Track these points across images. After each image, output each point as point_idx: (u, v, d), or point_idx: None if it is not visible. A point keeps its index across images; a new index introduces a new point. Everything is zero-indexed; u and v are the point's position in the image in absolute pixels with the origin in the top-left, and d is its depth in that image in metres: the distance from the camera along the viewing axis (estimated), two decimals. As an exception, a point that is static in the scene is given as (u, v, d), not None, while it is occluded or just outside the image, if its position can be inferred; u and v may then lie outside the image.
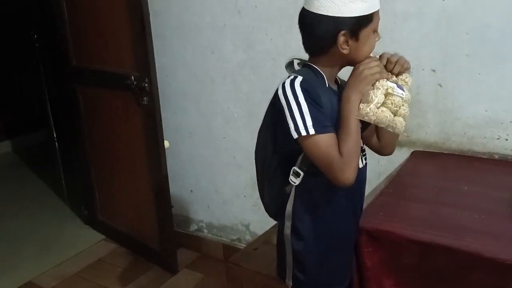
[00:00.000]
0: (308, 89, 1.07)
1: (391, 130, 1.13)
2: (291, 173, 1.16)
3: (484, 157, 1.71)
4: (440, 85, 1.74)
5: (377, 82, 1.10)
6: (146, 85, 2.15)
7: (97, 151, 2.73)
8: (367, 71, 1.10)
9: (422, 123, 1.80)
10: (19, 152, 4.59)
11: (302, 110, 1.06)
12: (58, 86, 3.31)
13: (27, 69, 4.47)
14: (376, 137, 1.30)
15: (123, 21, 2.19)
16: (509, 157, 1.67)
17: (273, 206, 1.29)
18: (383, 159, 1.87)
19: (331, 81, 1.18)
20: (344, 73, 1.20)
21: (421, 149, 1.82)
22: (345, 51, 1.10)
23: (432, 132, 1.80)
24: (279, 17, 2.05)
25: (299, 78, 1.09)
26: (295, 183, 1.17)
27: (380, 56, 1.14)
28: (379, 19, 1.13)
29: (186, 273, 2.50)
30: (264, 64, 2.16)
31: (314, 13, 1.09)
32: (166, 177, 2.31)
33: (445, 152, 1.77)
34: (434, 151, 1.80)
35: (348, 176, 1.07)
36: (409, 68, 1.16)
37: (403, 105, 1.12)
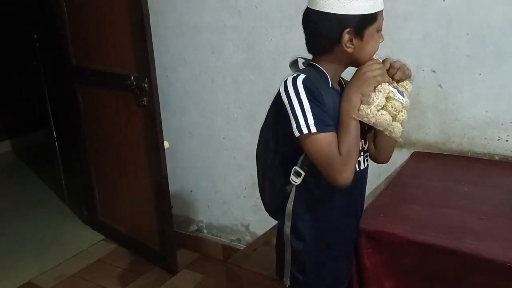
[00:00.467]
0: (310, 87, 1.06)
1: (388, 134, 1.12)
2: (292, 172, 1.16)
3: (485, 158, 1.71)
4: (440, 86, 1.74)
5: (379, 85, 1.10)
6: (146, 85, 2.14)
7: (97, 151, 2.73)
8: (369, 73, 1.10)
9: (422, 124, 1.80)
10: (19, 152, 4.59)
11: (304, 108, 1.05)
12: (58, 86, 3.31)
13: (27, 69, 4.46)
14: (373, 143, 1.29)
15: (123, 21, 2.18)
16: (510, 158, 1.67)
17: (273, 206, 1.29)
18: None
19: (335, 82, 1.18)
20: (345, 75, 1.20)
21: (421, 150, 1.82)
22: (349, 50, 1.10)
23: (432, 132, 1.79)
24: (279, 17, 2.05)
25: (302, 76, 1.08)
26: (296, 182, 1.16)
27: (383, 61, 1.14)
28: (383, 20, 1.12)
29: (185, 274, 2.49)
30: (264, 65, 2.16)
31: (319, 11, 1.08)
32: (166, 177, 2.31)
33: (445, 153, 1.77)
34: (434, 152, 1.79)
35: (347, 176, 1.07)
36: (410, 76, 1.16)
37: (402, 111, 1.12)
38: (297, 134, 1.06)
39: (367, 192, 1.36)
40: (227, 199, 2.50)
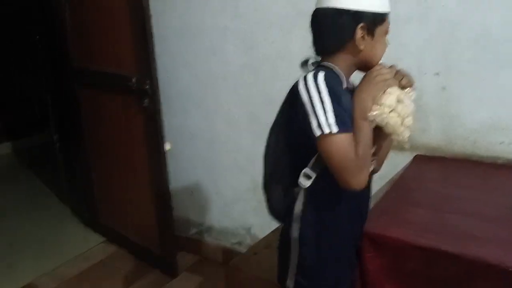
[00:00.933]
0: (331, 84, 1.05)
1: (395, 138, 1.12)
2: (302, 175, 1.14)
3: (487, 161, 1.70)
4: (443, 89, 1.73)
5: (389, 88, 1.10)
6: (147, 87, 2.14)
7: (98, 152, 2.72)
8: (380, 77, 1.10)
9: (425, 127, 1.79)
10: (20, 153, 4.59)
11: (325, 107, 1.03)
12: (59, 88, 3.30)
13: (28, 70, 4.46)
14: None
15: (124, 23, 2.18)
16: (512, 162, 1.66)
17: (279, 208, 1.27)
18: (386, 162, 1.85)
19: (348, 82, 1.17)
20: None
21: (423, 153, 1.81)
22: (361, 47, 1.10)
23: (435, 136, 1.78)
24: (279, 20, 2.04)
25: (322, 73, 1.06)
26: (304, 185, 1.14)
27: (390, 67, 1.14)
28: (389, 24, 1.14)
29: (186, 277, 2.48)
30: (265, 67, 2.16)
31: (332, 8, 1.09)
32: (167, 179, 2.30)
33: (448, 157, 1.76)
34: (437, 155, 1.79)
35: (363, 179, 1.06)
36: (413, 84, 1.16)
37: (409, 115, 1.12)
38: (317, 133, 1.03)
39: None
40: (228, 201, 2.49)
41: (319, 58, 1.18)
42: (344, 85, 1.14)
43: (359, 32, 1.08)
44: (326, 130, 1.02)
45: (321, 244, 1.21)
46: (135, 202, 2.55)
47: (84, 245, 2.82)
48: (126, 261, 2.64)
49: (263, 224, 2.30)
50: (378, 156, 1.24)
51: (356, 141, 1.06)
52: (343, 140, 1.04)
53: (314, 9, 1.14)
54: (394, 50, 1.70)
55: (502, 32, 1.58)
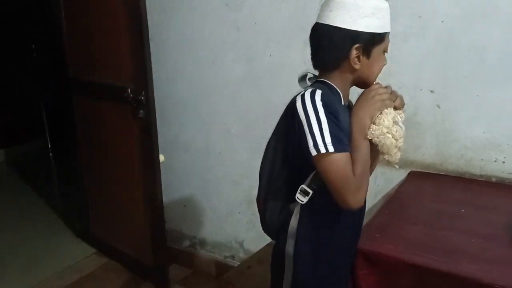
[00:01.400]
0: (328, 103, 1.05)
1: (387, 158, 1.14)
2: (299, 191, 1.13)
3: (481, 179, 1.70)
4: (438, 106, 1.74)
5: (386, 109, 1.12)
6: (142, 98, 2.13)
7: (91, 162, 2.71)
8: (378, 96, 1.10)
9: (420, 144, 1.79)
10: (13, 162, 4.55)
11: (321, 127, 1.03)
12: (54, 96, 3.30)
13: (24, 79, 4.46)
14: None
15: (122, 34, 2.18)
16: (506, 181, 1.66)
17: (273, 223, 1.25)
18: (380, 178, 1.86)
19: (346, 100, 1.18)
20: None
21: (418, 170, 1.81)
22: (356, 66, 1.10)
23: (430, 153, 1.79)
24: (278, 33, 2.05)
25: (319, 91, 1.07)
26: (302, 201, 1.14)
27: (385, 87, 1.15)
28: (389, 42, 1.14)
29: (178, 290, 2.46)
30: (262, 80, 2.16)
31: (329, 25, 1.09)
32: (160, 191, 2.28)
33: (442, 173, 1.76)
34: (431, 172, 1.79)
35: (360, 198, 1.07)
36: (404, 106, 1.18)
37: (401, 137, 1.13)
38: (314, 153, 1.03)
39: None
40: (222, 214, 2.47)
41: (317, 73, 1.19)
42: (342, 102, 1.15)
43: (353, 52, 1.09)
44: (323, 150, 1.02)
45: (316, 260, 1.20)
46: (128, 214, 2.53)
47: (75, 257, 2.78)
48: (117, 273, 2.61)
49: (257, 237, 2.29)
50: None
51: (354, 159, 1.06)
52: (340, 160, 1.04)
53: (315, 22, 1.15)
54: (390, 66, 1.72)
55: (498, 49, 1.60)
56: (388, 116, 1.10)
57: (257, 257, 1.84)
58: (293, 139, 1.10)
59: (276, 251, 1.28)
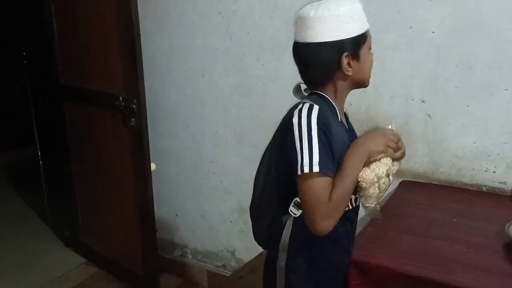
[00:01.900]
0: (324, 123, 1.05)
1: (362, 204, 1.16)
2: (292, 204, 1.13)
3: (472, 189, 1.71)
4: (429, 116, 1.75)
5: (386, 158, 1.13)
6: (134, 106, 2.12)
7: (81, 171, 2.68)
8: (389, 143, 1.12)
9: (411, 153, 1.80)
10: (2, 169, 4.49)
11: (311, 146, 1.03)
12: (45, 103, 3.27)
13: (14, 86, 4.42)
14: None
15: (114, 41, 2.18)
16: (497, 190, 1.67)
17: (266, 235, 1.25)
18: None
19: (341, 114, 1.18)
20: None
21: (410, 179, 1.82)
22: (349, 73, 1.11)
23: (421, 162, 1.79)
24: (271, 43, 2.06)
25: (316, 108, 1.07)
26: (295, 214, 1.13)
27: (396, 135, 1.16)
28: (371, 37, 1.15)
29: (168, 300, 2.43)
30: (254, 89, 2.16)
31: (312, 43, 1.09)
32: (151, 200, 2.26)
33: (433, 183, 1.77)
34: (423, 181, 1.79)
35: (328, 225, 1.06)
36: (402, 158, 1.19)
37: (385, 190, 1.15)
38: (298, 172, 1.04)
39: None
40: (214, 224, 2.46)
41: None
42: (339, 118, 1.15)
43: (345, 61, 1.10)
44: (306, 170, 1.03)
45: (308, 273, 1.19)
46: (118, 222, 2.51)
47: (64, 266, 2.75)
48: (107, 283, 2.58)
49: (248, 247, 2.27)
50: None
51: (337, 185, 1.06)
52: (321, 182, 1.04)
53: (294, 42, 1.15)
54: (382, 75, 1.75)
55: (488, 59, 1.62)
56: (383, 167, 1.11)
57: (249, 266, 1.82)
58: (287, 153, 1.10)
59: (267, 262, 1.27)
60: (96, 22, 2.28)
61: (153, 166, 2.20)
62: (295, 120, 1.07)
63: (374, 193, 1.12)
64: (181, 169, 2.50)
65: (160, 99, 2.45)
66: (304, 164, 1.03)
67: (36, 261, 2.83)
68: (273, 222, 1.20)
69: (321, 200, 1.04)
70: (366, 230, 1.41)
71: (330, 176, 1.05)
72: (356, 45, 1.10)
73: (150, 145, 2.21)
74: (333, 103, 1.14)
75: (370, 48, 1.15)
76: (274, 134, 1.21)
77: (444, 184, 1.76)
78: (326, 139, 1.05)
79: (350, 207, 1.18)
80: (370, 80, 1.18)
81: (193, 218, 2.53)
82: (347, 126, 1.20)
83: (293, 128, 1.06)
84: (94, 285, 2.57)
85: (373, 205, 1.14)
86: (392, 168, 1.14)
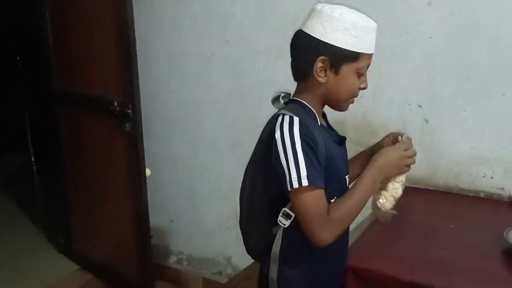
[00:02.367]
0: (307, 134, 1.04)
1: (374, 211, 1.19)
2: (281, 214, 1.11)
3: (470, 194, 1.70)
4: (427, 121, 1.74)
5: (400, 176, 1.15)
6: (129, 111, 2.10)
7: (76, 176, 2.65)
8: (405, 161, 1.13)
9: (408, 159, 1.79)
10: (-5, 174, 4.45)
11: (298, 162, 1.02)
12: (39, 108, 3.24)
13: (7, 90, 4.39)
14: None
15: (109, 46, 2.16)
16: (495, 196, 1.67)
17: (257, 247, 1.23)
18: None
19: (320, 117, 1.16)
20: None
21: (407, 185, 1.79)
22: (320, 80, 1.07)
23: (418, 168, 1.77)
24: (267, 48, 2.05)
25: (296, 121, 1.05)
26: (284, 225, 1.11)
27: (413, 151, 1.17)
28: (367, 65, 1.10)
29: (163, 307, 2.40)
30: (251, 94, 2.15)
31: (304, 31, 1.08)
32: (146, 206, 2.24)
33: (431, 188, 1.76)
34: (421, 187, 1.78)
35: (328, 237, 1.05)
36: None
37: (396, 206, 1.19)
38: (289, 188, 1.03)
39: (352, 227, 1.32)
40: (209, 230, 2.43)
41: (290, 95, 1.17)
42: (318, 122, 1.12)
43: (318, 64, 1.06)
44: (295, 185, 1.02)
45: (303, 282, 1.17)
46: (113, 229, 2.48)
47: (57, 273, 2.70)
48: (101, 290, 2.55)
49: (245, 253, 2.22)
50: None
51: (344, 200, 1.08)
52: (312, 195, 1.03)
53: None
54: (379, 80, 1.75)
55: (485, 64, 1.62)
56: (400, 189, 1.15)
57: (244, 274, 1.81)
58: (272, 168, 1.08)
59: (260, 274, 1.25)
60: (91, 27, 2.26)
61: (148, 172, 2.18)
62: (277, 135, 1.05)
63: (387, 209, 1.16)
64: (177, 175, 2.48)
65: (155, 104, 2.43)
66: (292, 179, 1.02)
67: (29, 268, 2.78)
68: (264, 235, 1.19)
69: (316, 213, 1.04)
70: (364, 237, 1.40)
71: (321, 187, 1.04)
72: (339, 57, 1.05)
73: (145, 150, 2.18)
74: (310, 107, 1.12)
75: (361, 75, 1.09)
76: (256, 147, 1.19)
77: (441, 189, 1.75)
78: (311, 151, 1.03)
79: None
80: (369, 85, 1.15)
81: (188, 224, 2.51)
82: (326, 126, 1.18)
83: (276, 143, 1.05)
84: (87, 293, 2.54)
85: (378, 215, 1.17)
86: (403, 185, 1.18)
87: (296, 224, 1.11)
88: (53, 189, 2.91)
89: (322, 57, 1.05)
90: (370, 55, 1.09)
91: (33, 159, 4.26)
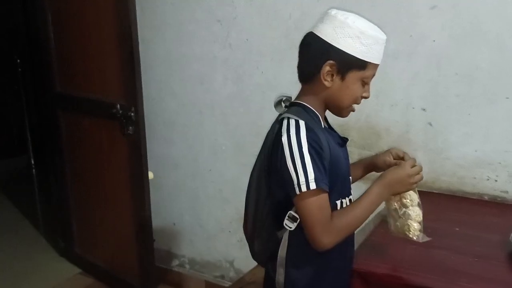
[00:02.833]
0: (314, 138, 1.05)
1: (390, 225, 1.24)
2: (287, 217, 1.11)
3: (474, 198, 1.70)
4: (430, 124, 1.74)
5: (409, 195, 1.18)
6: (132, 114, 2.10)
7: (77, 179, 2.65)
8: (414, 179, 1.13)
9: (412, 162, 1.79)
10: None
11: (305, 166, 1.03)
12: (40, 112, 3.24)
13: (7, 93, 4.38)
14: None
15: (112, 49, 2.16)
16: (499, 199, 1.67)
17: (263, 251, 1.23)
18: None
19: (323, 120, 1.17)
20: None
21: (411, 188, 1.80)
22: (326, 83, 1.09)
23: (422, 171, 1.78)
24: (270, 51, 2.05)
25: (303, 125, 1.06)
26: (290, 228, 1.12)
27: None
28: (373, 75, 1.12)
29: (165, 311, 2.40)
30: (253, 97, 2.15)
31: (315, 34, 1.09)
32: (149, 209, 2.23)
33: (435, 192, 1.76)
34: (424, 190, 1.78)
35: (330, 242, 1.06)
36: None
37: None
38: (297, 192, 1.03)
39: (356, 230, 1.32)
40: (212, 233, 2.43)
41: (291, 98, 1.17)
42: (322, 125, 1.14)
43: (326, 68, 1.07)
44: (304, 188, 1.03)
45: (309, 287, 1.17)
46: (114, 232, 2.47)
47: (58, 277, 2.69)
48: (102, 294, 2.54)
49: (248, 257, 2.21)
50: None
51: (348, 210, 1.10)
52: (319, 200, 1.05)
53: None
54: (383, 84, 1.75)
55: (489, 68, 1.62)
56: (421, 213, 1.20)
57: (248, 278, 1.80)
58: (278, 172, 1.09)
59: (267, 279, 1.25)
60: (93, 30, 2.26)
61: (151, 175, 2.18)
62: (284, 138, 1.06)
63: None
64: (179, 178, 2.47)
65: (157, 107, 2.43)
66: (300, 183, 1.03)
67: (28, 271, 2.77)
68: (269, 238, 1.19)
69: (320, 217, 1.05)
70: (370, 240, 1.40)
71: (326, 192, 1.06)
72: (347, 64, 1.07)
73: (147, 153, 2.18)
74: (314, 110, 1.13)
75: (365, 83, 1.11)
76: (260, 152, 1.20)
77: (445, 193, 1.75)
78: (317, 155, 1.04)
79: None
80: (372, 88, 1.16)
81: (190, 227, 2.50)
82: (327, 127, 1.19)
83: (283, 147, 1.06)
84: (89, 296, 2.53)
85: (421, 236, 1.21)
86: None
87: (302, 227, 1.11)
88: (53, 193, 2.91)
89: (331, 61, 1.07)
90: (377, 66, 1.11)
91: (32, 162, 4.27)
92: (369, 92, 1.14)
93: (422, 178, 1.16)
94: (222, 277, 2.44)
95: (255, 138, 2.16)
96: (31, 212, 3.44)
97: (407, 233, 1.21)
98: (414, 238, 1.20)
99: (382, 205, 1.76)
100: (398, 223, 1.23)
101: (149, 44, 2.34)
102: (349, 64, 1.07)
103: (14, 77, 4.23)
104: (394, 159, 1.24)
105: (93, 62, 2.31)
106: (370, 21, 1.08)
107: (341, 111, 1.15)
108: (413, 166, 1.15)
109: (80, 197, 2.66)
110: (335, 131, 1.22)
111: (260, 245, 1.23)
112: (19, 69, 4.24)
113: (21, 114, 4.25)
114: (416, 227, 1.20)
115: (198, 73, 2.28)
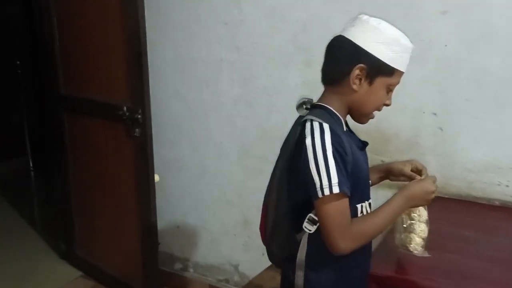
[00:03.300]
0: (338, 142, 1.05)
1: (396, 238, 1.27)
2: (306, 220, 1.11)
3: (484, 202, 1.70)
4: (441, 129, 1.74)
5: (418, 210, 1.21)
6: (139, 116, 2.09)
7: (80, 181, 2.62)
8: (431, 195, 1.16)
9: (422, 166, 1.79)
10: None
11: (329, 169, 1.03)
12: (41, 114, 3.21)
13: (7, 95, 4.35)
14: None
15: (118, 51, 2.15)
16: (509, 204, 1.66)
17: (281, 252, 1.22)
18: (384, 201, 1.84)
19: (345, 122, 1.17)
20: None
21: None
22: (354, 87, 1.09)
23: (432, 175, 1.77)
24: (277, 54, 2.05)
25: (327, 128, 1.05)
26: (310, 230, 1.12)
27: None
28: (397, 83, 1.13)
29: (169, 315, 2.37)
30: (260, 100, 2.14)
31: (345, 37, 1.10)
32: (154, 212, 2.21)
33: (445, 196, 1.75)
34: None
35: (348, 247, 1.06)
36: None
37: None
38: (320, 195, 1.03)
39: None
40: (216, 236, 2.41)
41: (312, 100, 1.17)
42: (344, 128, 1.14)
43: (356, 71, 1.08)
44: (327, 192, 1.03)
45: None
46: (118, 235, 2.45)
47: (59, 280, 2.67)
48: (104, 297, 2.51)
49: (252, 261, 2.23)
50: None
51: (369, 218, 1.11)
52: (341, 204, 1.05)
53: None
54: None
55: (499, 72, 1.62)
56: (426, 230, 1.23)
57: (255, 283, 1.79)
58: (299, 173, 1.09)
59: (284, 281, 1.25)
60: (99, 31, 2.25)
61: (156, 178, 2.16)
62: (308, 141, 1.06)
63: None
64: (183, 180, 2.46)
65: (163, 109, 2.41)
66: (323, 186, 1.03)
67: (29, 275, 2.74)
68: (288, 241, 1.18)
69: (341, 222, 1.05)
70: (384, 245, 1.39)
71: (347, 196, 1.06)
72: (377, 69, 1.08)
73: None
74: (337, 113, 1.13)
75: (390, 91, 1.14)
76: (281, 154, 1.19)
77: (455, 197, 1.75)
78: (340, 159, 1.04)
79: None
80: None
81: (195, 230, 2.48)
82: (348, 130, 1.19)
83: (306, 150, 1.05)
84: (90, 300, 2.50)
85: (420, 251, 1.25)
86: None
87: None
88: (54, 196, 2.88)
89: (361, 65, 1.07)
90: (402, 74, 1.13)
91: (31, 164, 4.23)
92: (391, 100, 1.15)
93: (437, 195, 1.20)
94: (227, 281, 2.43)
95: (261, 141, 2.15)
96: (30, 214, 3.41)
97: (408, 246, 1.23)
98: (415, 252, 1.23)
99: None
100: (402, 236, 1.25)
101: (155, 46, 2.32)
102: (378, 70, 1.08)
103: (14, 78, 4.20)
104: (411, 171, 1.26)
105: (99, 63, 2.30)
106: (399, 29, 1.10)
107: (363, 116, 1.16)
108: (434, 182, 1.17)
109: (84, 199, 2.64)
110: (355, 135, 1.22)
111: (278, 247, 1.22)
112: (19, 71, 4.21)
113: (20, 116, 4.21)
114: (418, 241, 1.23)
115: (204, 75, 2.27)
